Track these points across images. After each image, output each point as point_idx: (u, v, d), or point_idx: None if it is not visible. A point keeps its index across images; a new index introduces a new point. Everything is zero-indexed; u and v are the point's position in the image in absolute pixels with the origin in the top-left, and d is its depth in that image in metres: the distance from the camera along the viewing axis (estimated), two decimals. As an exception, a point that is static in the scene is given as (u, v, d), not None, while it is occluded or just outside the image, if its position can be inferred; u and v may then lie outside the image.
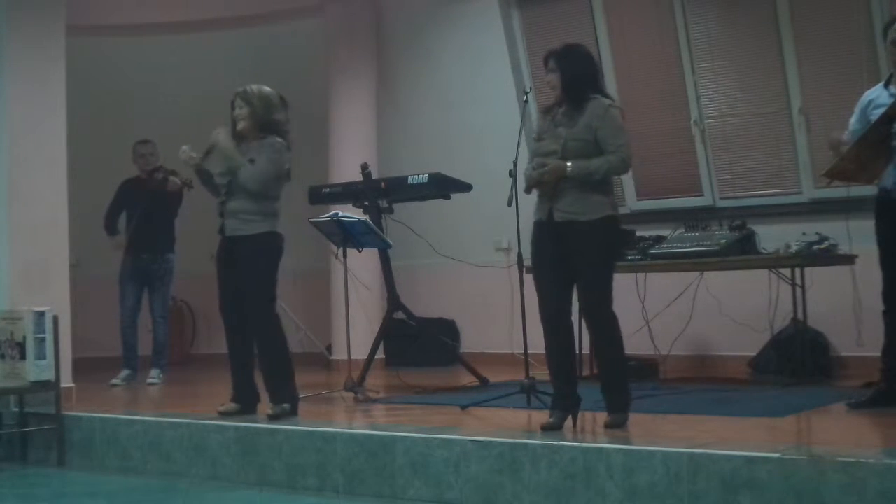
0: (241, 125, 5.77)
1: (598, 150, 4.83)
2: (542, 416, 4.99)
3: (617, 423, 4.86)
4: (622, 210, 8.38)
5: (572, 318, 5.00)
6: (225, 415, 5.73)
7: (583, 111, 4.86)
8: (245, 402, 5.84)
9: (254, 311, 5.70)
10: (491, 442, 4.69)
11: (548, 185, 4.84)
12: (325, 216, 6.60)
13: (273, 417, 5.57)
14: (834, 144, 5.54)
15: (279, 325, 5.82)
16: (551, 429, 4.81)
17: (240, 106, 5.76)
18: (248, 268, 5.67)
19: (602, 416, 4.97)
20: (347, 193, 7.47)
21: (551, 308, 4.88)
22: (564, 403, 4.90)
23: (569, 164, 4.78)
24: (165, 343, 8.21)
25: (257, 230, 5.70)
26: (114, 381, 7.94)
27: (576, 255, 4.80)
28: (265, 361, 5.74)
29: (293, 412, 5.68)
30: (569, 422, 4.91)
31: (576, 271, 4.83)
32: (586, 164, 4.79)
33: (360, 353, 7.07)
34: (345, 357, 6.85)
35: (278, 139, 5.76)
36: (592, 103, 4.87)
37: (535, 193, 4.98)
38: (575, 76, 4.91)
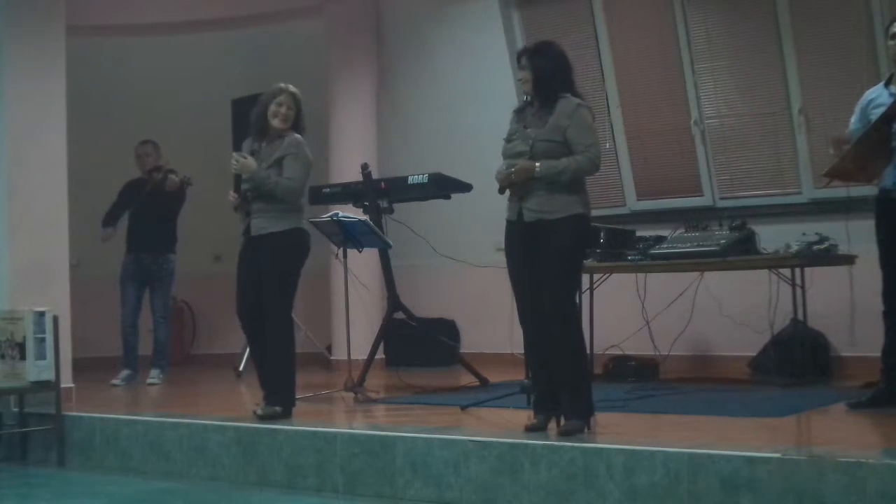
0: (279, 122, 5.71)
1: (568, 150, 4.80)
2: (542, 417, 4.99)
3: (571, 430, 4.71)
4: (622, 210, 8.42)
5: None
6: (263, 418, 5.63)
7: (552, 111, 4.84)
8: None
9: (273, 310, 5.67)
10: (491, 442, 4.68)
11: (516, 185, 4.83)
12: (325, 216, 6.59)
13: (261, 417, 5.57)
14: (836, 141, 5.53)
15: (292, 328, 5.84)
16: (534, 430, 4.80)
17: (289, 106, 5.71)
18: (273, 265, 5.64)
19: (600, 417, 4.95)
20: (347, 193, 7.47)
21: (526, 310, 4.87)
22: (546, 405, 4.88)
23: (537, 164, 4.76)
24: (166, 343, 8.21)
25: (284, 227, 5.66)
26: (114, 381, 7.94)
27: (543, 254, 4.78)
28: (272, 361, 5.72)
29: (285, 415, 5.65)
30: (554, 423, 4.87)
31: (543, 270, 4.78)
32: (555, 164, 4.76)
33: (360, 353, 7.07)
34: (345, 357, 6.85)
35: (296, 136, 5.75)
36: (562, 102, 4.84)
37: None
38: (545, 74, 4.87)
